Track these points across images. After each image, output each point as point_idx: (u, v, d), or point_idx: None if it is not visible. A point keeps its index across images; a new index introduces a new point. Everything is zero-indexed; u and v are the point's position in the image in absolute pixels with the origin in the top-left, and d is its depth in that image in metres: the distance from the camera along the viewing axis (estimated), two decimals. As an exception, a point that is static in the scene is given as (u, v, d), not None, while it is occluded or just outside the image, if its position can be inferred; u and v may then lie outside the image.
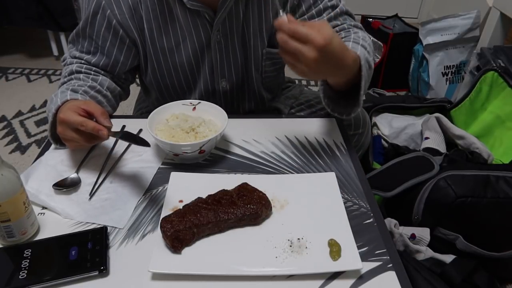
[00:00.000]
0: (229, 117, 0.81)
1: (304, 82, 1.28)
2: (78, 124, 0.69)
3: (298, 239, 0.63)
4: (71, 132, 0.72)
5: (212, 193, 0.68)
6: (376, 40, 2.28)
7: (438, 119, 1.50)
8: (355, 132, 1.05)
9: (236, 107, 1.05)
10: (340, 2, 0.94)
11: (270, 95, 1.09)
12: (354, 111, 0.83)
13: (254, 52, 0.95)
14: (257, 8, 0.90)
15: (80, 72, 0.90)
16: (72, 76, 0.90)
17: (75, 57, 0.92)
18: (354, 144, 1.04)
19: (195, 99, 0.94)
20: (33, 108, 2.10)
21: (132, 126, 0.89)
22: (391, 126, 1.60)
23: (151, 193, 0.74)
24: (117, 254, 0.62)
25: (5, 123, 1.99)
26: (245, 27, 0.91)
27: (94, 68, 0.92)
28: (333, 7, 0.93)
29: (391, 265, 0.62)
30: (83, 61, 0.91)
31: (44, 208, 0.70)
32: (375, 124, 1.65)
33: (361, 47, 0.82)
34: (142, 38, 0.89)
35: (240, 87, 1.00)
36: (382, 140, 1.59)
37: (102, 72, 0.93)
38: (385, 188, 1.22)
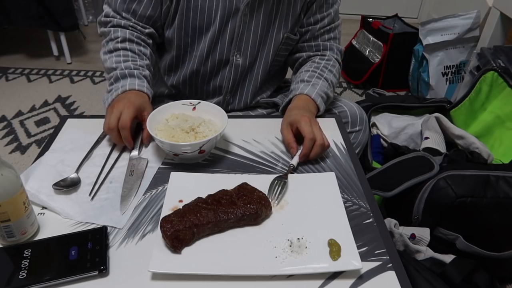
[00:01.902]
0: (229, 117, 0.81)
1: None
2: (122, 127, 0.80)
3: (298, 239, 0.63)
4: (115, 119, 0.80)
5: (212, 193, 0.68)
6: (376, 40, 2.28)
7: (437, 119, 1.50)
8: (352, 130, 1.06)
9: (239, 88, 1.07)
10: (337, 28, 1.08)
11: (270, 85, 1.14)
12: None
13: (276, 33, 1.00)
14: None
15: (133, 42, 0.94)
16: (127, 45, 0.94)
17: (121, 12, 0.95)
18: (352, 142, 1.05)
19: (209, 64, 1.02)
20: (33, 108, 2.10)
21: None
22: (391, 126, 1.60)
23: (151, 193, 0.74)
24: (117, 254, 0.62)
25: (5, 123, 1.99)
26: (275, 8, 0.96)
27: (142, 37, 0.96)
28: (330, 28, 1.06)
29: (391, 265, 0.62)
30: (131, 19, 0.96)
31: (44, 208, 0.70)
32: (374, 124, 1.65)
33: (323, 80, 1.00)
34: None
35: (250, 65, 1.04)
36: (382, 140, 1.59)
37: (147, 34, 0.98)
38: (385, 188, 1.22)
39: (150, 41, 0.99)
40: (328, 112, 1.04)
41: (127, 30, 0.95)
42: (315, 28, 1.04)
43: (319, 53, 1.07)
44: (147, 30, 0.98)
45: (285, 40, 1.02)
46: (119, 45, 0.93)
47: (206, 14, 0.95)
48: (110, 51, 0.94)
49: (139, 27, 0.96)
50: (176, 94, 1.12)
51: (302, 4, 1.00)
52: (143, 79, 0.90)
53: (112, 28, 0.95)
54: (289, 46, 1.06)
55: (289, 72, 1.26)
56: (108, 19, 0.97)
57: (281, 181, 0.73)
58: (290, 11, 0.98)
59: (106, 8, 0.98)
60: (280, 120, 0.95)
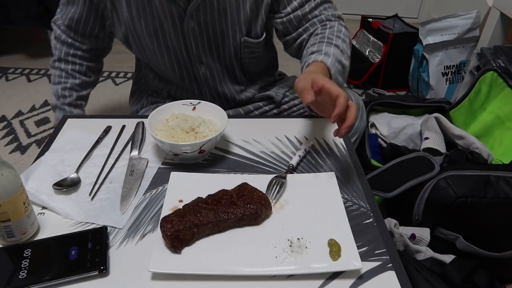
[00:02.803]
0: (229, 117, 0.81)
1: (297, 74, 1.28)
2: None
3: (298, 239, 0.63)
4: None
5: (212, 193, 0.68)
6: (376, 40, 2.28)
7: (437, 119, 1.50)
8: None
9: (221, 93, 1.08)
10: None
11: (259, 81, 1.13)
12: None
13: (232, 40, 0.98)
14: None
15: (67, 62, 1.07)
16: (61, 66, 1.08)
17: (61, 26, 1.04)
18: None
19: (179, 81, 1.05)
20: (33, 108, 2.09)
21: (132, 125, 0.89)
22: (390, 126, 1.60)
23: (151, 193, 0.74)
24: (117, 254, 0.62)
25: (5, 123, 1.99)
26: (222, 16, 0.94)
27: (79, 54, 1.07)
28: (320, 2, 0.97)
29: (391, 265, 0.62)
30: (69, 35, 1.04)
31: (44, 208, 0.70)
32: (373, 125, 1.65)
33: (334, 47, 0.90)
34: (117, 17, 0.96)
35: (220, 73, 1.04)
36: (381, 140, 1.59)
37: (86, 50, 1.07)
38: (385, 189, 1.22)
39: (88, 55, 1.09)
40: None
41: (63, 47, 1.06)
42: (304, 10, 0.96)
43: (318, 27, 0.99)
44: (85, 47, 1.06)
45: (244, 44, 1.00)
46: (55, 64, 1.08)
47: (155, 38, 0.96)
48: (52, 66, 1.09)
49: (77, 44, 1.05)
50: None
51: (259, 4, 0.95)
52: (64, 110, 1.09)
53: (53, 40, 1.07)
54: (252, 48, 1.02)
55: (283, 66, 1.25)
56: (54, 26, 1.06)
57: (279, 181, 0.73)
58: (241, 15, 0.95)
59: (57, 14, 1.05)
60: (280, 120, 0.95)
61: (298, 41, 1.00)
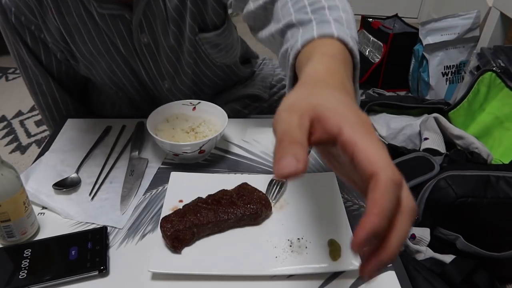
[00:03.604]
0: (229, 118, 0.81)
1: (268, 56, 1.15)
2: None
3: (298, 239, 0.63)
4: None
5: (212, 193, 0.68)
6: (376, 40, 2.28)
7: (436, 119, 1.50)
8: None
9: (200, 95, 0.98)
10: None
11: (230, 80, 1.02)
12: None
13: (189, 43, 0.86)
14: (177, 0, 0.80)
15: None
16: None
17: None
18: None
19: (146, 101, 0.95)
20: (33, 108, 2.09)
21: (132, 125, 0.89)
22: (389, 127, 1.60)
23: (151, 193, 0.74)
24: (117, 254, 0.62)
25: (5, 123, 1.99)
26: (171, 23, 0.82)
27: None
28: None
29: (391, 265, 0.62)
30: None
31: (44, 208, 0.70)
32: (372, 125, 1.65)
33: (343, 11, 0.55)
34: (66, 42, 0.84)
35: (189, 83, 0.95)
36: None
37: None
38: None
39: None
40: None
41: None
42: None
43: None
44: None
45: (202, 41, 0.87)
46: None
47: (108, 58, 0.86)
48: None
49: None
50: None
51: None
52: None
53: None
54: (212, 42, 0.88)
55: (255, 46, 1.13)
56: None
57: (279, 181, 0.73)
58: (186, 14, 0.82)
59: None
60: (280, 120, 0.95)
61: (261, 2, 0.67)
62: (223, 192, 0.68)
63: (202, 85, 0.98)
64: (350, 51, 0.47)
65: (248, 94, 1.05)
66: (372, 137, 0.34)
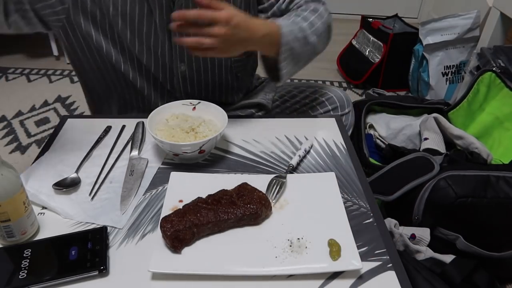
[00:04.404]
0: (229, 118, 0.81)
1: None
2: None
3: (298, 239, 0.63)
4: None
5: (212, 193, 0.68)
6: (376, 40, 2.28)
7: (436, 119, 1.50)
8: (342, 113, 1.08)
9: (202, 96, 0.99)
10: None
11: (241, 86, 1.07)
12: (281, 78, 0.88)
13: None
14: None
15: None
16: None
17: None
18: (344, 123, 1.07)
19: (151, 78, 0.93)
20: (33, 108, 2.09)
21: (132, 125, 0.89)
22: (389, 127, 1.60)
23: (151, 193, 0.74)
24: (117, 254, 0.62)
25: (5, 123, 1.99)
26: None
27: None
28: None
29: (391, 265, 0.62)
30: None
31: (44, 208, 0.70)
32: (371, 126, 1.65)
33: (301, 19, 0.85)
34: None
35: (203, 74, 0.96)
36: (379, 141, 1.59)
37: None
38: (386, 192, 1.22)
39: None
40: (316, 100, 1.07)
41: None
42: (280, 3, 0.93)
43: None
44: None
45: None
46: None
47: (145, 24, 0.85)
48: None
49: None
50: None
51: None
52: None
53: None
54: None
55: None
56: None
57: (279, 181, 0.73)
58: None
59: None
60: (280, 120, 0.95)
61: None
62: (223, 192, 0.68)
63: (211, 85, 0.99)
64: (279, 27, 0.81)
65: (253, 103, 1.08)
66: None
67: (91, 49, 0.88)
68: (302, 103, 1.09)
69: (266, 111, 1.10)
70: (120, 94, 0.98)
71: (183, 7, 0.84)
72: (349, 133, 1.07)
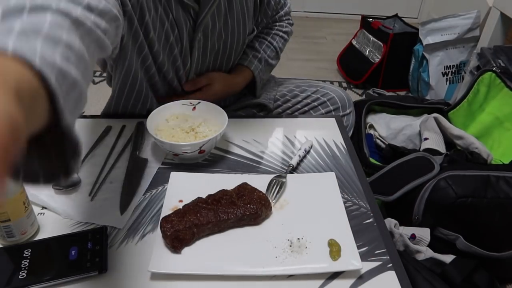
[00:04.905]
0: (229, 118, 0.81)
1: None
2: None
3: (298, 239, 0.63)
4: None
5: (212, 193, 0.68)
6: (376, 40, 2.28)
7: (436, 119, 1.50)
8: (344, 113, 1.08)
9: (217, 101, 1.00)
10: (286, 5, 1.09)
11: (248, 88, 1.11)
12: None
13: (236, 43, 0.96)
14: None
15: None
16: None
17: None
18: (345, 124, 1.08)
19: (179, 90, 0.95)
20: (33, 108, 2.10)
21: (132, 125, 0.89)
22: (389, 127, 1.60)
23: (151, 193, 0.74)
24: (117, 254, 0.62)
25: (5, 123, 1.99)
26: (229, 22, 0.90)
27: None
28: (282, 11, 1.08)
29: (391, 265, 0.62)
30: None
31: (44, 208, 0.70)
32: (371, 126, 1.65)
33: (270, 52, 1.06)
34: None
35: (208, 66, 0.99)
36: (380, 141, 1.59)
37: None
38: (386, 193, 1.22)
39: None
40: (317, 101, 1.08)
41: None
42: (276, 10, 1.06)
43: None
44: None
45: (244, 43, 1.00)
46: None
47: (168, 43, 0.86)
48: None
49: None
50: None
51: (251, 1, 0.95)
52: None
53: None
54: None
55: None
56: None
57: (279, 181, 0.73)
58: (245, 15, 0.93)
59: None
60: (280, 120, 0.95)
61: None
62: (223, 192, 0.68)
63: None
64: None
65: (255, 103, 1.09)
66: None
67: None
68: (303, 103, 1.10)
69: (267, 111, 1.10)
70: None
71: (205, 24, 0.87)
72: (350, 133, 1.08)
